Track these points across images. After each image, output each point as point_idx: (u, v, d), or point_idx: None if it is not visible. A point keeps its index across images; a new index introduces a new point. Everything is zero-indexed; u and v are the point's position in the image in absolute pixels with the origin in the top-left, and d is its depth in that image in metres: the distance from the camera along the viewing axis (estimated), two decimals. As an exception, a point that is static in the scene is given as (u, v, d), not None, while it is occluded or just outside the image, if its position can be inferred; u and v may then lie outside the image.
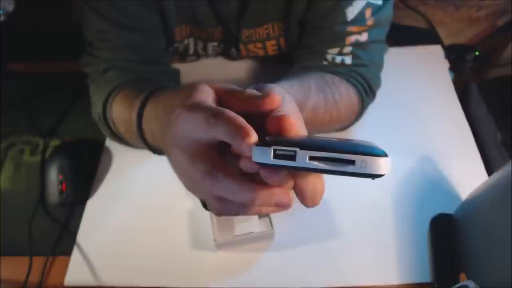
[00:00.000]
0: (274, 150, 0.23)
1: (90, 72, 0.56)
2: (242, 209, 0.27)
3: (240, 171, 0.27)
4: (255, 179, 0.26)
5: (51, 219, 0.57)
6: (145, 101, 0.42)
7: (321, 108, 0.50)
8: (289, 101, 0.32)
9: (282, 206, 0.26)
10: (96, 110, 0.54)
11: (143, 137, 0.44)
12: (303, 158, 0.23)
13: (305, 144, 0.23)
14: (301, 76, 0.52)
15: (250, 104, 0.29)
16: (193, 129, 0.28)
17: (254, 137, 0.25)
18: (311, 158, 0.23)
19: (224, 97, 0.31)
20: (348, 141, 0.26)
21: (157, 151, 0.46)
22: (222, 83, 0.32)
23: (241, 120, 0.26)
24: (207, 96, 0.30)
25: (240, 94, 0.30)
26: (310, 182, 0.26)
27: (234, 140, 0.25)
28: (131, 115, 0.44)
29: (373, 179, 0.22)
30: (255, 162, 0.24)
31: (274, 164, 0.24)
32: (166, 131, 0.31)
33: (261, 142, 0.25)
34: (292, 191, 0.27)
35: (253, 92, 0.30)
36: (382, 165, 0.22)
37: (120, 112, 0.49)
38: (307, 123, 0.50)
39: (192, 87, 0.30)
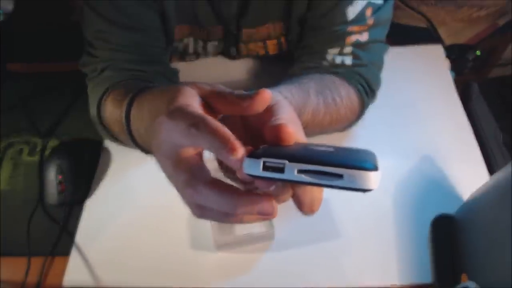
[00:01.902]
0: (264, 162, 0.24)
1: (88, 72, 0.56)
2: (224, 217, 0.27)
3: (224, 184, 0.26)
4: (237, 188, 0.26)
5: (50, 219, 0.57)
6: (131, 101, 0.42)
7: (320, 111, 0.50)
8: (287, 107, 0.31)
9: (265, 215, 0.26)
10: (92, 110, 0.54)
11: (133, 138, 0.44)
12: (291, 171, 0.23)
13: (295, 156, 0.23)
14: (300, 79, 0.51)
15: (240, 106, 0.28)
16: (174, 137, 0.27)
17: (240, 152, 0.25)
18: (300, 171, 0.23)
19: (211, 100, 0.30)
20: (343, 151, 0.26)
21: (147, 151, 0.46)
22: (208, 84, 0.31)
23: (224, 131, 0.25)
24: (191, 99, 0.29)
25: (228, 96, 0.29)
26: (308, 190, 0.26)
27: (219, 154, 0.25)
28: (121, 116, 0.44)
29: (363, 192, 0.22)
30: (246, 173, 0.24)
31: (264, 176, 0.24)
32: (150, 135, 0.30)
33: (252, 153, 0.25)
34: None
35: (241, 93, 0.29)
36: (370, 179, 0.22)
37: (112, 112, 0.49)
38: (307, 126, 0.50)
39: (177, 89, 0.30)
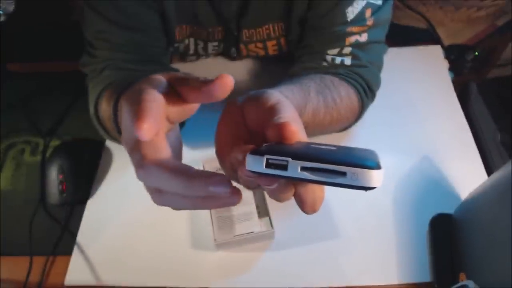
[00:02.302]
0: (267, 159, 0.24)
1: (88, 72, 0.56)
2: (181, 201, 0.26)
3: (176, 164, 0.26)
4: (193, 170, 0.26)
5: (52, 219, 0.58)
6: (118, 98, 0.42)
7: (321, 111, 0.50)
8: (289, 107, 0.31)
9: (223, 198, 0.25)
10: (90, 109, 0.54)
11: (116, 122, 0.44)
12: (295, 168, 0.23)
13: (298, 154, 0.23)
14: (300, 79, 0.52)
15: (201, 92, 0.28)
16: (125, 119, 0.27)
17: (145, 122, 0.24)
18: (303, 168, 0.23)
19: (176, 85, 0.29)
20: (346, 150, 0.26)
21: None
22: (179, 72, 0.30)
23: (145, 106, 0.25)
24: (148, 83, 0.28)
25: (190, 81, 0.28)
26: (310, 189, 0.26)
27: (132, 122, 0.25)
28: (111, 113, 0.44)
29: (366, 191, 0.22)
30: (249, 170, 0.24)
31: (266, 173, 0.24)
32: None
33: (255, 150, 0.25)
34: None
35: (204, 78, 0.28)
36: (373, 177, 0.22)
37: (105, 111, 0.49)
38: (307, 126, 0.50)
39: (144, 78, 0.29)
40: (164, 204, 0.27)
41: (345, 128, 0.59)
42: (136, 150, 0.26)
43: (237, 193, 0.26)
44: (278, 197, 0.27)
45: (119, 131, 0.43)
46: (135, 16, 0.54)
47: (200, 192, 0.25)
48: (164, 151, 0.27)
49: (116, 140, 0.54)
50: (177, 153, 0.31)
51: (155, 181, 0.26)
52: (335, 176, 0.22)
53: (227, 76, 0.27)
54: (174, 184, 0.25)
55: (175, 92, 0.29)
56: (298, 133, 0.27)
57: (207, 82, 0.27)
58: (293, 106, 0.32)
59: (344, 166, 0.22)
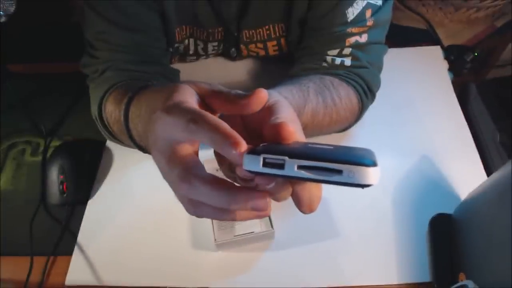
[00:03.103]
0: (264, 158, 0.24)
1: (89, 72, 0.56)
2: (218, 213, 0.27)
3: (216, 179, 0.27)
4: (232, 184, 0.26)
5: (52, 219, 0.58)
6: (130, 100, 0.42)
7: (320, 111, 0.50)
8: (287, 107, 0.31)
9: (259, 211, 0.26)
10: (93, 110, 0.54)
11: (132, 136, 0.44)
12: (292, 167, 0.23)
13: (294, 153, 0.24)
14: (300, 80, 0.52)
15: (237, 105, 0.29)
16: (172, 132, 0.27)
17: (243, 145, 0.25)
18: (300, 167, 0.23)
19: (208, 98, 0.30)
20: (342, 149, 0.26)
21: (146, 150, 0.46)
22: (207, 83, 0.31)
23: (225, 127, 0.26)
24: (189, 97, 0.29)
25: (225, 94, 0.30)
26: (307, 188, 0.27)
27: (221, 148, 0.25)
28: (120, 115, 0.44)
29: (362, 188, 0.22)
30: (246, 169, 0.25)
31: (263, 172, 0.24)
32: (148, 132, 0.30)
33: (252, 150, 0.25)
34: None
35: (238, 92, 0.29)
36: (370, 175, 0.22)
37: (112, 112, 0.49)
38: (307, 127, 0.50)
39: (174, 87, 0.30)
40: (199, 214, 0.28)
41: (344, 129, 0.59)
42: (177, 163, 0.27)
43: (269, 208, 0.26)
44: (276, 197, 0.27)
45: (130, 134, 0.44)
46: (135, 17, 0.54)
47: (241, 206, 0.26)
48: (202, 166, 0.28)
49: (120, 142, 0.54)
50: None
51: (198, 194, 0.26)
52: (331, 174, 0.22)
53: (262, 91, 0.28)
54: (217, 199, 0.26)
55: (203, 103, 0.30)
56: (295, 133, 0.27)
57: (243, 97, 0.28)
58: (292, 107, 0.33)
59: (341, 164, 0.22)
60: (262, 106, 0.29)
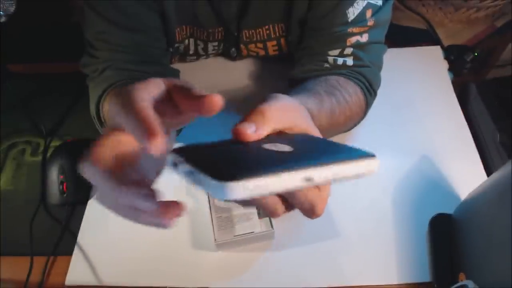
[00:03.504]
0: (174, 157, 0.23)
1: (89, 72, 0.56)
2: (116, 207, 0.26)
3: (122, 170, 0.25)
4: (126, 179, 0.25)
5: (52, 219, 0.58)
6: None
7: (336, 110, 0.50)
8: (303, 112, 0.31)
9: (149, 215, 0.25)
10: (92, 110, 0.54)
11: None
12: (181, 168, 0.23)
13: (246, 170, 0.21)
14: (306, 86, 0.51)
15: (194, 103, 0.27)
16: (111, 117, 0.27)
17: (158, 138, 0.23)
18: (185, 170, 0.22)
19: (175, 94, 0.28)
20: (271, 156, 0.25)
21: None
22: (175, 79, 0.29)
23: (148, 114, 0.24)
24: (144, 87, 0.27)
25: (187, 91, 0.27)
26: (298, 195, 0.26)
27: (136, 137, 0.24)
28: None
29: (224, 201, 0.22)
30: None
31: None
32: None
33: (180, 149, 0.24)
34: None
35: (201, 91, 0.27)
36: (227, 190, 0.20)
37: (108, 111, 0.49)
38: (326, 128, 0.49)
39: (142, 81, 0.28)
40: (102, 202, 0.27)
41: (354, 126, 0.58)
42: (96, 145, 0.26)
43: (167, 216, 0.25)
44: (273, 214, 0.27)
45: None
46: (135, 17, 0.54)
47: (126, 200, 0.25)
48: (121, 152, 0.26)
49: None
50: (153, 162, 0.29)
51: (90, 177, 0.26)
52: (200, 183, 0.21)
53: (217, 95, 0.26)
54: (104, 186, 0.25)
55: (171, 99, 0.28)
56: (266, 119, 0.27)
57: (200, 96, 0.26)
58: (307, 111, 0.32)
59: (206, 174, 0.21)
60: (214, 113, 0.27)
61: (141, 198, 0.25)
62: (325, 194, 0.27)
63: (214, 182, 0.20)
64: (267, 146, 0.25)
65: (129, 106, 0.25)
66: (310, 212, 0.27)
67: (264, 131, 0.27)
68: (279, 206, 0.26)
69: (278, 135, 0.29)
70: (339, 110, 0.50)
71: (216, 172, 0.20)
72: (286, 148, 0.25)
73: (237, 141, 0.26)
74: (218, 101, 0.26)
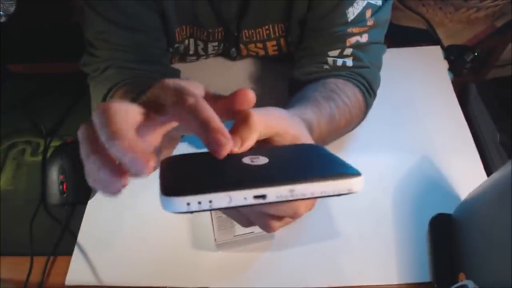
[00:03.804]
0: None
1: (90, 71, 0.56)
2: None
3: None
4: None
5: (52, 219, 0.58)
6: (141, 93, 0.42)
7: (335, 115, 0.50)
8: (294, 119, 0.31)
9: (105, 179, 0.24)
10: (94, 108, 0.54)
11: None
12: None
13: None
14: (304, 94, 0.51)
15: (226, 102, 0.27)
16: (160, 94, 0.26)
17: (228, 147, 0.23)
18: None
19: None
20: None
21: None
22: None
23: (218, 122, 0.24)
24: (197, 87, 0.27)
25: (215, 97, 0.28)
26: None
27: (206, 140, 0.24)
28: None
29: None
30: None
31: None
32: None
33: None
34: None
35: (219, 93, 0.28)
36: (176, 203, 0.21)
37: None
38: (328, 134, 0.49)
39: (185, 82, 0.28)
40: (86, 169, 0.26)
41: (354, 128, 0.58)
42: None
43: (118, 177, 0.24)
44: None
45: None
46: (135, 17, 0.54)
47: (93, 166, 0.24)
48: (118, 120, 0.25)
49: None
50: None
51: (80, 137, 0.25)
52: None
53: (247, 89, 0.27)
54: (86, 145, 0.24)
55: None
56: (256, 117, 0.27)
57: (231, 95, 0.27)
58: (303, 123, 0.32)
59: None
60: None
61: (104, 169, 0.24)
62: (294, 208, 0.27)
63: (160, 196, 0.21)
64: (246, 159, 0.25)
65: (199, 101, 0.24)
66: (295, 214, 0.27)
67: (248, 143, 0.27)
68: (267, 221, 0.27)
69: (264, 146, 0.29)
70: (339, 115, 0.50)
71: (166, 185, 0.22)
72: (264, 161, 0.25)
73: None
74: (250, 94, 0.27)
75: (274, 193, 0.22)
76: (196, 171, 0.24)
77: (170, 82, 0.26)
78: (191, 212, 0.22)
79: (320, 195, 0.23)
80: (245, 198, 0.21)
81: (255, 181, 0.22)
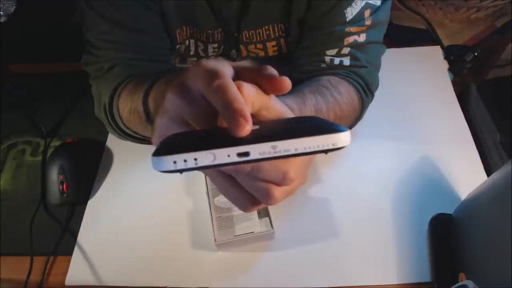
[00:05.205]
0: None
1: (92, 70, 0.56)
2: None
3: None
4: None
5: (52, 219, 0.58)
6: (153, 83, 0.42)
7: (322, 107, 0.50)
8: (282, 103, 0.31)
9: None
10: (102, 101, 0.53)
11: (146, 111, 0.44)
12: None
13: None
14: (293, 88, 0.51)
15: (264, 82, 0.28)
16: (194, 80, 0.27)
17: (247, 129, 0.24)
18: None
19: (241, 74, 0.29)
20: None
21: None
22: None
23: (241, 103, 0.24)
24: (225, 66, 0.28)
25: (255, 72, 0.29)
26: (268, 166, 0.26)
27: (227, 119, 0.24)
28: (139, 95, 0.44)
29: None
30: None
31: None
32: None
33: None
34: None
35: (273, 71, 0.29)
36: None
37: (128, 96, 0.48)
38: None
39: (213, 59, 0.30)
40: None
41: (349, 126, 0.58)
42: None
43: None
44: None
45: (147, 113, 0.44)
46: (137, 17, 0.54)
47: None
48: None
49: (127, 136, 0.53)
50: None
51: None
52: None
53: (286, 78, 0.28)
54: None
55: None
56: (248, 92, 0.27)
57: (271, 76, 0.28)
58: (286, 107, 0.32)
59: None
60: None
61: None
62: (297, 161, 0.27)
63: (151, 158, 0.23)
64: None
65: (221, 85, 0.25)
66: (286, 180, 0.27)
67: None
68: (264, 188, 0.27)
69: (257, 120, 0.29)
70: (326, 109, 0.50)
71: (157, 149, 0.23)
72: (254, 127, 0.25)
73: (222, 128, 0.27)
74: (287, 82, 0.28)
75: (256, 149, 0.22)
76: (188, 138, 0.26)
77: (204, 63, 0.27)
78: (180, 172, 0.22)
79: (304, 151, 0.22)
80: (228, 155, 0.22)
81: (240, 141, 0.23)
